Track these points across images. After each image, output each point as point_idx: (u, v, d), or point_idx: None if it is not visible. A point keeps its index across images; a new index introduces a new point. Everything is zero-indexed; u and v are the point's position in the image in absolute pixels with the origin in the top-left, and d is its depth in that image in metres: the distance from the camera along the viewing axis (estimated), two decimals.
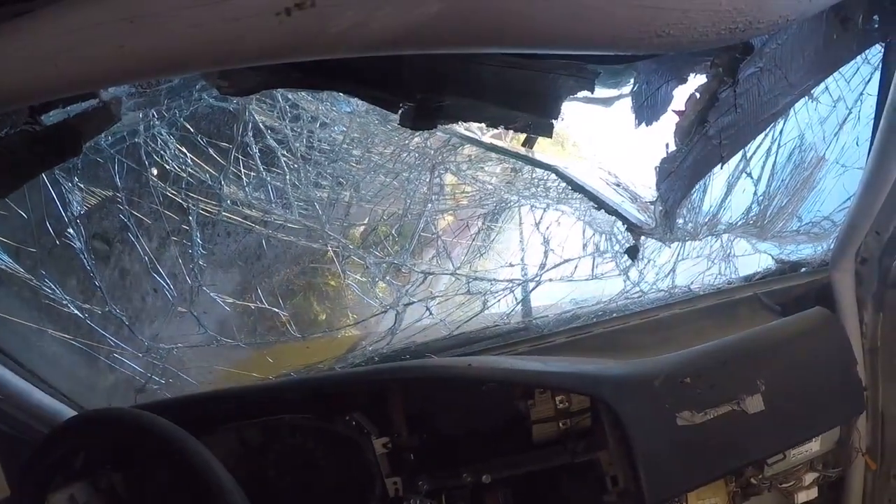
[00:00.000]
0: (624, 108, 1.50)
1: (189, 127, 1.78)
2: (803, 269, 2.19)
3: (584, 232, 2.09)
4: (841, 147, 1.95)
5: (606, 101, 1.92)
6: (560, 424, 1.81)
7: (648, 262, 2.14)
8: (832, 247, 2.04)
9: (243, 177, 1.86)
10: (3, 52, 0.71)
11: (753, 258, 2.27)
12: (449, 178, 2.09)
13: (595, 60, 1.24)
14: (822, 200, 2.10)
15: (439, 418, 1.85)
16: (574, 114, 2.00)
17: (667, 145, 1.50)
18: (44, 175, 1.59)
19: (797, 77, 1.50)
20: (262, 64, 0.78)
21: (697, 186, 1.75)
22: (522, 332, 2.08)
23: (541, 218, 2.04)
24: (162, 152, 1.76)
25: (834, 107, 1.85)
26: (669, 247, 2.08)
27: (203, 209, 1.83)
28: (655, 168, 1.50)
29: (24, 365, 1.63)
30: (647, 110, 1.47)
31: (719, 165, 1.55)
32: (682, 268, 2.18)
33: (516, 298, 2.13)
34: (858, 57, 1.63)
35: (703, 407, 1.71)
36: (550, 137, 1.41)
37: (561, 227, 2.07)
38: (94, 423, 1.50)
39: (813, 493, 2.02)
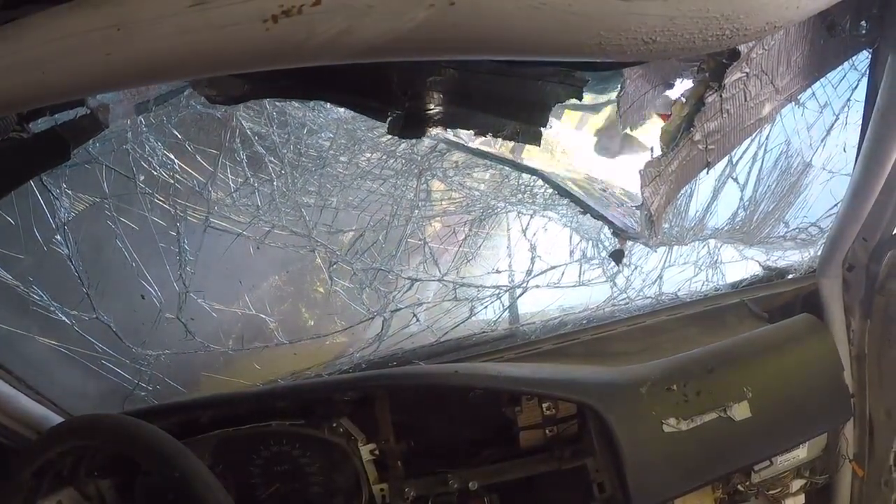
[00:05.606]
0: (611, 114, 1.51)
1: (177, 133, 1.78)
2: (790, 276, 2.20)
3: (570, 238, 2.09)
4: (828, 153, 1.96)
5: (594, 108, 1.93)
6: (547, 431, 1.81)
7: (635, 268, 2.14)
8: (819, 253, 2.05)
9: (231, 183, 1.86)
10: None
11: (740, 265, 2.27)
12: (436, 185, 2.09)
13: (583, 67, 1.24)
14: (809, 206, 2.10)
15: (426, 425, 1.86)
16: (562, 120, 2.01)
17: (652, 150, 1.51)
18: (31, 181, 1.59)
19: (784, 82, 1.51)
20: (250, 71, 0.78)
21: (683, 191, 1.75)
22: (509, 338, 2.09)
23: (528, 224, 2.04)
24: (150, 158, 1.76)
25: (821, 113, 1.85)
26: (656, 252, 2.08)
27: (191, 215, 1.83)
28: (640, 172, 1.50)
29: (10, 371, 1.63)
30: (632, 115, 1.48)
31: (705, 170, 1.56)
32: (669, 274, 2.18)
33: (503, 305, 2.12)
34: (846, 63, 1.63)
35: (689, 414, 1.71)
36: (538, 146, 1.40)
37: (548, 233, 2.07)
38: (82, 430, 1.49)
39: (800, 499, 2.03)
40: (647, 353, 1.91)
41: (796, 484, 2.01)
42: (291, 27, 0.68)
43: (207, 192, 1.83)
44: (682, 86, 1.48)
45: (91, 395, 1.90)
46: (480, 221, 2.12)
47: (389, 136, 1.70)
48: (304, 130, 1.91)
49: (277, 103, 1.84)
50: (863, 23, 1.51)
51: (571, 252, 2.09)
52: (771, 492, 1.97)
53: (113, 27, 0.68)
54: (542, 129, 1.35)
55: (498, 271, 2.14)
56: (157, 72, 0.74)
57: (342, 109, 1.88)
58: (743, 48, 1.35)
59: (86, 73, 0.72)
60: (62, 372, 1.81)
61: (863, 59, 1.65)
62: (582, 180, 2.08)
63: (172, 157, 1.79)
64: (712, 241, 2.17)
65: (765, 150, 1.92)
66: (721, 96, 1.41)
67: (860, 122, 1.75)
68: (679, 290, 2.21)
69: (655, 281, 2.17)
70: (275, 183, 1.90)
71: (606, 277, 2.11)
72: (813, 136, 1.91)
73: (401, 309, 2.03)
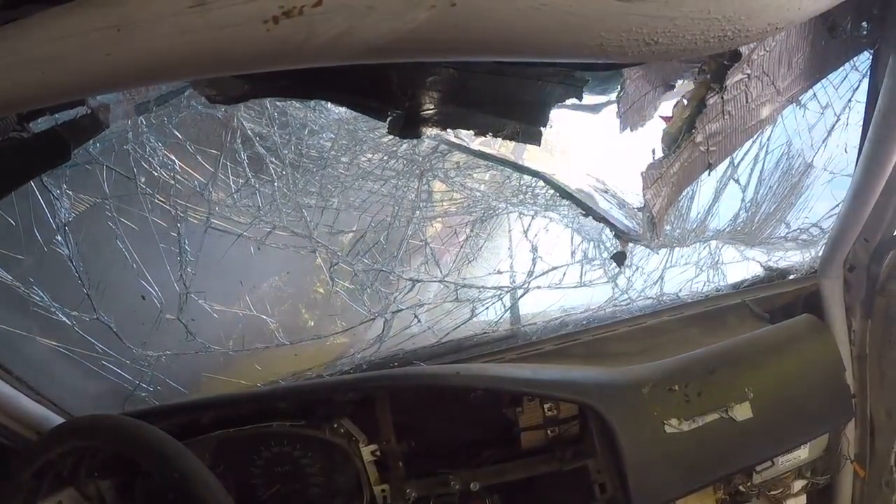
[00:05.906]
0: (612, 114, 1.50)
1: (178, 134, 1.78)
2: (791, 277, 2.20)
3: (572, 239, 2.09)
4: (829, 154, 1.95)
5: (595, 108, 1.92)
6: (548, 432, 1.81)
7: (637, 269, 2.14)
8: (820, 254, 2.05)
9: (232, 184, 1.86)
10: None
11: (742, 265, 2.27)
12: (437, 186, 2.09)
13: (583, 67, 1.24)
14: (810, 207, 2.10)
15: (427, 426, 1.85)
16: (562, 120, 2.00)
17: (653, 151, 1.50)
18: (32, 181, 1.58)
19: (785, 84, 1.51)
20: (250, 72, 0.78)
21: (685, 193, 1.75)
22: (511, 339, 2.08)
23: (529, 225, 2.04)
24: (150, 159, 1.75)
25: (822, 114, 1.85)
26: (657, 253, 2.08)
27: (192, 216, 1.83)
28: (642, 174, 1.50)
29: (11, 371, 1.63)
30: (632, 115, 1.47)
31: (707, 172, 1.55)
32: (671, 275, 2.17)
33: (505, 306, 2.12)
34: (847, 64, 1.63)
35: (691, 414, 1.70)
36: (539, 145, 1.40)
37: (549, 234, 2.07)
38: (83, 431, 1.49)
39: (801, 500, 2.03)
40: (649, 353, 1.91)
41: (798, 484, 2.01)
42: (292, 28, 0.68)
43: (208, 192, 1.83)
44: (684, 87, 1.48)
45: (91, 395, 1.89)
46: (482, 222, 2.12)
47: (391, 137, 1.70)
48: (306, 131, 1.90)
49: (278, 103, 1.84)
50: (864, 24, 1.51)
51: (573, 253, 2.09)
52: (772, 492, 1.97)
53: (113, 27, 0.68)
54: (542, 128, 1.35)
55: (499, 272, 2.14)
56: (157, 72, 0.73)
57: (343, 110, 1.88)
58: (744, 49, 1.35)
59: (86, 74, 0.72)
60: (63, 372, 1.81)
61: (864, 60, 1.65)
62: (578, 188, 2.07)
63: (173, 157, 1.79)
64: (713, 242, 2.17)
65: (766, 151, 1.92)
66: (722, 98, 1.41)
67: (861, 122, 1.75)
68: (680, 290, 2.21)
69: (657, 282, 2.16)
70: (276, 183, 1.90)
71: (608, 278, 2.11)
72: (814, 137, 1.91)
73: (402, 310, 2.02)
